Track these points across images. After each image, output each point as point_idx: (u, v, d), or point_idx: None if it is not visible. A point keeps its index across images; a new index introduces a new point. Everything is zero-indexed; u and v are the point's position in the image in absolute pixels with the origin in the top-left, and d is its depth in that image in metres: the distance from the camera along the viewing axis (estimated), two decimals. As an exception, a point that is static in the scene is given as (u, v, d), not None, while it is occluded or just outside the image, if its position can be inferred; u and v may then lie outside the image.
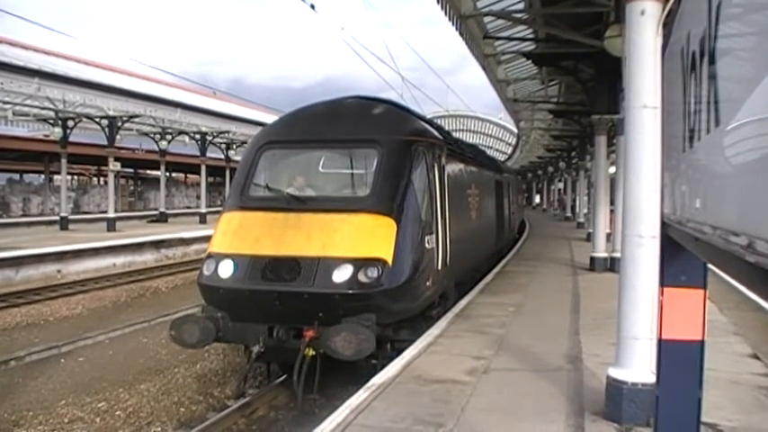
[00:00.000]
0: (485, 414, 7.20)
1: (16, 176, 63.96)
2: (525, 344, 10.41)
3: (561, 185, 66.88)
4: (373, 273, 10.01)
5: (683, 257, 3.38)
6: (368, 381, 8.58)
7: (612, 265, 18.40)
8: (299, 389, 9.98)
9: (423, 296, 11.09)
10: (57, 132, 39.78)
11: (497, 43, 24.10)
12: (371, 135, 11.45)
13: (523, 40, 22.99)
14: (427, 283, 11.14)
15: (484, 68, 25.51)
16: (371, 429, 6.79)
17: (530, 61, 23.95)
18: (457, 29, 19.24)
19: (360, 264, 10.03)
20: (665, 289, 3.56)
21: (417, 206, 11.05)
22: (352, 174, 11.80)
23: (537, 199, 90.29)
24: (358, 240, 10.32)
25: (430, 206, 11.54)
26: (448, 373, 8.76)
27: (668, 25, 5.30)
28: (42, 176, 57.80)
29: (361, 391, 8.02)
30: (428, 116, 22.13)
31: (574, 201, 50.87)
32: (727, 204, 1.76)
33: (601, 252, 19.91)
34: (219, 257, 10.69)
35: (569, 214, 51.40)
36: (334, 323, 9.78)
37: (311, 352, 10.06)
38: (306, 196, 11.17)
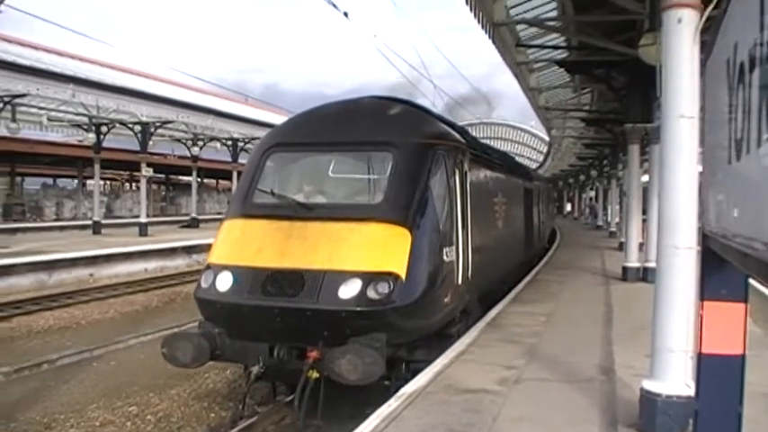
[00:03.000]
0: (516, 424, 7.13)
1: (50, 181, 64.75)
2: (557, 354, 10.30)
3: (593, 194, 66.40)
4: (384, 288, 9.16)
5: (724, 271, 3.33)
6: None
7: (645, 274, 18.21)
8: (301, 414, 9.22)
9: (440, 313, 10.32)
10: (90, 138, 40.31)
11: (530, 51, 24.02)
12: (386, 137, 10.67)
13: (556, 47, 22.90)
14: (445, 299, 10.39)
15: (516, 76, 25.43)
16: (403, 439, 6.75)
17: (562, 69, 23.82)
18: (489, 37, 19.16)
19: (369, 278, 9.20)
20: (706, 303, 3.51)
21: (435, 215, 10.29)
22: (364, 179, 10.99)
23: (568, 207, 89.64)
24: (368, 252, 9.52)
25: (450, 215, 10.78)
26: (479, 382, 8.68)
27: (706, 32, 5.24)
28: (75, 181, 58.42)
29: (391, 400, 7.97)
30: (460, 124, 22.02)
31: (605, 209, 50.49)
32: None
33: (633, 262, 19.72)
34: (218, 269, 9.94)
35: (601, 223, 51.02)
36: (340, 343, 8.98)
37: (315, 374, 9.17)
38: (313, 203, 10.42)
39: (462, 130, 14.04)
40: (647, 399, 6.75)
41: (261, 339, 9.62)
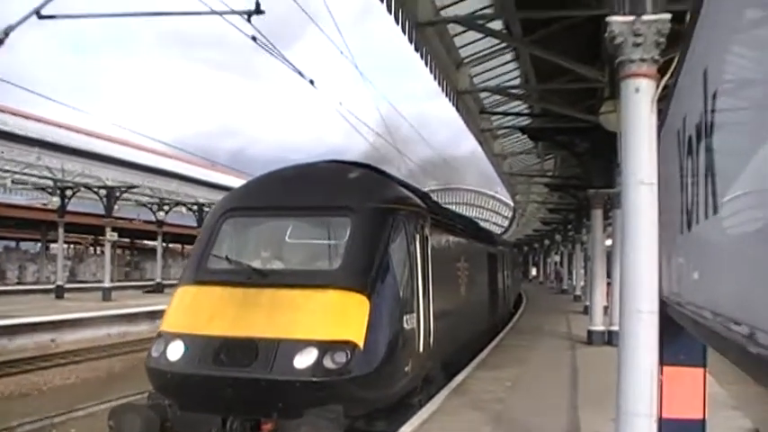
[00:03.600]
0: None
1: (12, 244, 63.92)
2: (523, 420, 10.27)
3: (558, 258, 66.86)
4: (341, 357, 8.78)
5: (682, 336, 3.37)
6: None
7: (610, 338, 18.26)
8: None
9: (400, 383, 9.91)
10: (55, 201, 39.92)
11: (494, 118, 24.44)
12: (344, 202, 10.45)
13: (519, 114, 23.38)
14: (405, 368, 9.98)
15: (480, 143, 25.82)
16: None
17: (525, 136, 24.21)
18: (453, 104, 19.48)
19: (326, 347, 8.84)
20: (665, 368, 3.54)
21: (395, 281, 10.02)
22: (321, 245, 10.81)
23: (534, 271, 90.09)
24: (324, 320, 9.19)
25: (410, 281, 10.52)
26: (445, 449, 8.62)
27: (663, 100, 5.39)
28: (39, 244, 57.75)
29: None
30: (424, 189, 22.15)
31: (570, 273, 50.81)
32: (726, 292, 1.77)
33: (598, 325, 19.80)
34: (169, 337, 9.52)
35: (566, 287, 51.27)
36: (296, 415, 8.56)
37: None
38: (268, 269, 10.11)
39: (423, 195, 13.96)
40: (612, 464, 6.74)
41: (213, 411, 9.11)
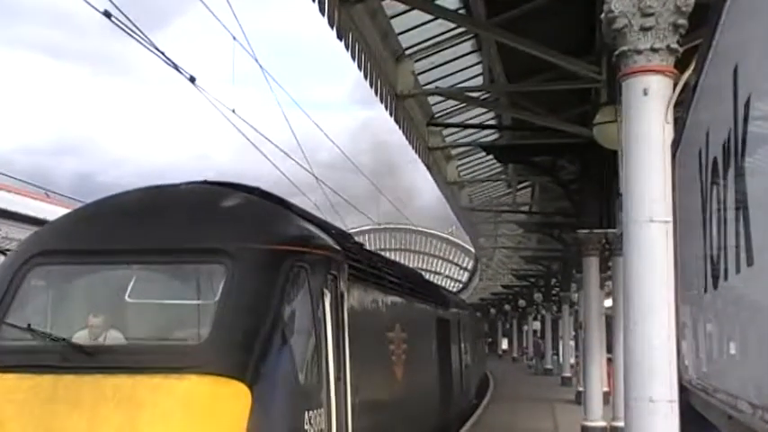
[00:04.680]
0: None
1: None
2: None
3: (538, 325, 67.25)
4: None
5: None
6: None
7: (614, 439, 18.36)
8: None
9: None
10: None
11: (447, 131, 24.35)
12: (216, 242, 9.20)
13: (483, 127, 23.32)
14: None
15: (428, 167, 25.65)
16: None
17: (490, 156, 24.18)
18: (391, 113, 19.29)
19: None
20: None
21: (292, 361, 9.04)
22: (179, 306, 9.56)
23: (505, 344, 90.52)
24: (178, 427, 8.05)
25: (315, 361, 9.51)
26: None
27: (681, 105, 5.42)
28: None
29: None
30: (353, 230, 22.00)
31: (555, 347, 51.12)
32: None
33: (597, 420, 19.86)
34: None
35: (550, 366, 51.50)
36: None
37: None
38: (94, 345, 8.78)
39: (340, 234, 13.30)
40: None
41: None
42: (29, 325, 8.80)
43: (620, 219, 14.97)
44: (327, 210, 23.64)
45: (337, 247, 11.10)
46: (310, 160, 22.92)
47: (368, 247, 19.54)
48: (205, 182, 11.42)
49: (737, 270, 2.08)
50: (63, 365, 8.34)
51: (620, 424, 17.23)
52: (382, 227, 75.51)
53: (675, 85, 6.22)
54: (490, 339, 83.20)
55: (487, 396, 35.37)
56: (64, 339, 8.69)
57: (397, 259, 37.76)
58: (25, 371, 8.38)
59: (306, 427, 8.79)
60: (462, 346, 26.61)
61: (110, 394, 8.05)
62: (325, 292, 9.91)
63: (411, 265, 51.58)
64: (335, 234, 12.21)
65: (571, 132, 17.97)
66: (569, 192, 21.14)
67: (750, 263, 1.90)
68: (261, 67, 16.57)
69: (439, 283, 42.23)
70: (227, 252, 8.97)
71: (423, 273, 32.25)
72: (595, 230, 19.59)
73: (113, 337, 8.99)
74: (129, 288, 9.21)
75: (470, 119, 23.14)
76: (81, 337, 8.87)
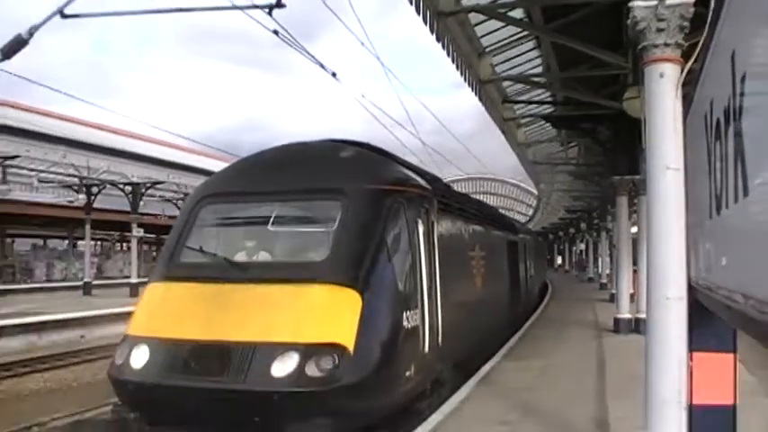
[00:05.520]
0: (512, 481, 7.07)
1: (40, 242, 64.57)
2: (551, 408, 10.24)
3: (583, 246, 66.60)
4: (327, 363, 7.54)
5: (711, 322, 3.35)
6: None
7: (637, 326, 18.17)
8: None
9: (399, 389, 8.64)
10: (81, 199, 40.32)
11: (516, 107, 24.35)
12: (335, 184, 9.21)
13: (542, 103, 23.26)
14: (407, 373, 8.72)
15: (504, 132, 25.69)
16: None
17: (548, 124, 24.12)
18: (476, 94, 19.45)
19: (310, 351, 7.59)
20: (694, 354, 3.53)
21: (393, 273, 8.87)
22: (307, 233, 9.45)
23: (559, 260, 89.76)
24: (308, 320, 7.95)
25: (412, 273, 9.32)
26: (473, 439, 8.61)
27: (687, 85, 5.34)
28: (66, 242, 58.31)
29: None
30: (447, 180, 21.98)
31: (596, 261, 50.61)
32: (758, 275, 1.74)
33: (625, 313, 19.68)
34: (134, 342, 8.42)
35: (592, 275, 51.08)
36: (275, 430, 7.64)
37: None
38: (246, 263, 9.05)
39: (432, 178, 12.60)
40: (643, 452, 6.70)
41: (182, 427, 7.95)
42: (200, 247, 9.27)
43: (643, 168, 14.72)
44: (429, 165, 23.54)
45: (428, 187, 10.86)
46: (418, 129, 22.94)
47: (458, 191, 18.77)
48: (329, 139, 11.38)
49: (735, 200, 2.07)
50: (223, 277, 8.62)
51: (642, 316, 17.22)
52: (471, 177, 75.34)
53: (682, 70, 6.19)
54: (549, 257, 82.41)
55: (547, 297, 35.20)
56: (224, 258, 9.08)
57: (487, 201, 37.63)
58: (198, 281, 8.77)
59: (404, 323, 8.70)
60: (527, 261, 26.12)
61: (257, 298, 8.25)
62: (419, 221, 9.80)
63: (491, 205, 51.07)
64: (429, 179, 11.81)
65: (606, 106, 17.88)
66: (605, 149, 20.81)
67: (746, 194, 1.91)
68: (381, 63, 16.54)
69: (512, 217, 41.80)
70: (343, 191, 9.05)
71: (500, 210, 31.81)
72: (625, 177, 19.28)
73: (257, 257, 9.28)
74: (271, 220, 9.18)
75: (533, 97, 23.14)
76: (235, 256, 9.22)
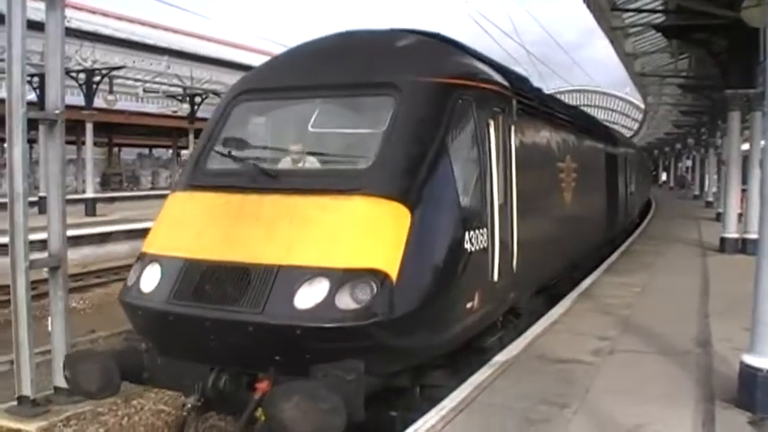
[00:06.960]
0: (610, 396, 7.09)
1: (145, 151, 66.65)
2: (651, 325, 10.15)
3: (689, 163, 64.83)
4: (364, 293, 6.23)
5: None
6: None
7: (744, 246, 17.76)
8: None
9: (458, 325, 7.33)
10: (185, 108, 41.25)
11: (626, 15, 23.50)
12: (387, 77, 7.58)
13: (653, 11, 22.34)
14: (468, 305, 7.40)
15: (611, 42, 25.03)
16: (495, 407, 6.77)
17: (659, 34, 23.26)
18: (584, 1, 18.87)
19: (343, 278, 6.28)
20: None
21: (453, 186, 7.32)
22: (352, 135, 7.92)
23: (664, 177, 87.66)
24: (344, 240, 6.57)
25: (480, 186, 7.89)
26: (572, 353, 8.65)
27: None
28: (170, 151, 59.94)
29: (484, 368, 8.00)
30: (550, 91, 21.52)
31: (702, 179, 49.27)
32: None
33: (732, 233, 19.19)
34: (147, 261, 7.35)
35: (697, 193, 49.80)
36: (298, 371, 6.14)
37: (264, 416, 6.01)
38: (277, 169, 7.56)
39: (518, 78, 10.88)
40: (747, 373, 6.59)
41: (198, 360, 6.84)
42: (229, 152, 7.84)
43: (760, 81, 14.10)
44: (534, 76, 23.14)
45: (506, 84, 9.18)
46: (523, 39, 22.55)
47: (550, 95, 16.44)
48: (392, 29, 9.21)
49: None
50: (249, 185, 7.24)
51: (750, 236, 16.82)
52: (576, 88, 73.78)
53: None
54: (654, 173, 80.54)
55: (650, 214, 34.53)
56: (253, 164, 7.54)
57: (591, 113, 36.72)
58: (222, 190, 7.38)
59: (466, 245, 7.30)
60: (628, 177, 24.52)
61: (284, 210, 6.89)
62: (491, 124, 8.27)
63: (599, 117, 49.43)
64: (513, 77, 10.17)
65: (722, 15, 16.98)
66: (719, 61, 19.99)
67: None
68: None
69: (617, 130, 40.51)
70: (395, 85, 7.43)
71: (605, 123, 30.79)
72: (739, 90, 18.51)
73: (290, 163, 7.77)
74: (312, 119, 7.79)
75: (644, 5, 22.28)
76: (271, 162, 7.82)
